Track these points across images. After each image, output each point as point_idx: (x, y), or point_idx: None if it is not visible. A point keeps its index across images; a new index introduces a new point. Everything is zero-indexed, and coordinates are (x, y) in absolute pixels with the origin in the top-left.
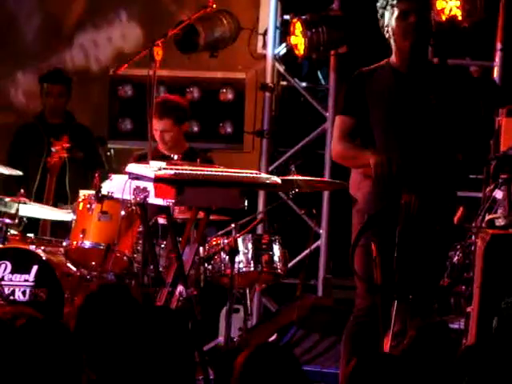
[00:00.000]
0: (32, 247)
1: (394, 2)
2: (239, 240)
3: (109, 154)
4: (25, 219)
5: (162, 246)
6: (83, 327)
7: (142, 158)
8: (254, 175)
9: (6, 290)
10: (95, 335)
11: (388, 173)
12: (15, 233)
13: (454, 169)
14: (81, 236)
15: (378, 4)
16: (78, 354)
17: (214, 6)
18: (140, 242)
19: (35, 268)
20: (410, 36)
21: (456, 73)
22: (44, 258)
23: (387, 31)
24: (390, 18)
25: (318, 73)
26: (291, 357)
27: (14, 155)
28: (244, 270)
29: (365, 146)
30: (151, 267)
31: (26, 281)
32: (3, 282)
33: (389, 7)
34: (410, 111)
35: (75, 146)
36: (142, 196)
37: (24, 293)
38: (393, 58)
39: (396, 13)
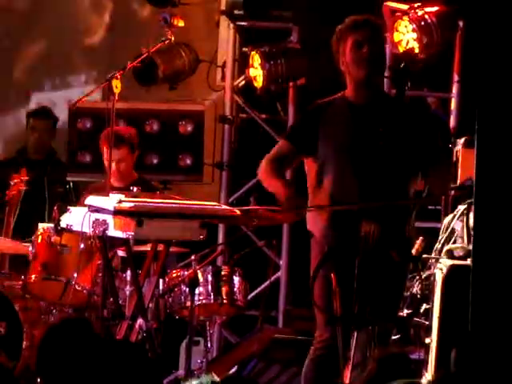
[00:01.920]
0: None
1: (347, 34)
2: (199, 272)
3: (68, 186)
4: None
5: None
6: (44, 360)
7: (97, 191)
8: (214, 207)
9: None
10: (56, 368)
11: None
12: None
13: (411, 200)
14: (39, 269)
15: (333, 39)
16: None
17: (173, 38)
18: (100, 274)
19: None
20: (364, 66)
21: (412, 105)
22: (2, 292)
23: (342, 63)
24: (343, 50)
25: (277, 105)
26: None
27: None
28: (204, 302)
29: (319, 181)
30: (111, 300)
31: None
32: None
33: (342, 40)
34: (365, 143)
35: (57, 182)
36: (101, 229)
37: None
38: (348, 91)
39: (349, 43)
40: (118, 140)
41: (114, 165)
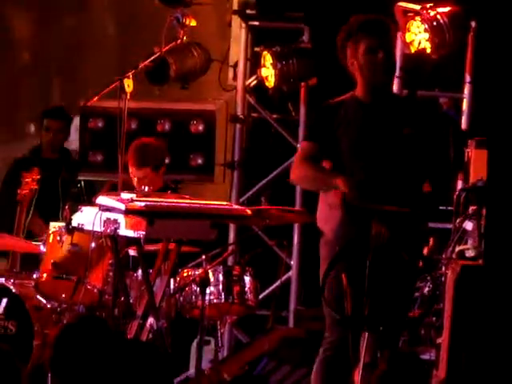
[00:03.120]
0: (1, 280)
1: (359, 37)
2: (210, 271)
3: (79, 185)
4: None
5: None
6: (60, 357)
7: (115, 188)
8: (225, 207)
9: None
10: (70, 366)
11: (355, 195)
12: None
13: (422, 199)
14: (51, 268)
15: (339, 36)
16: None
17: (185, 38)
18: (111, 273)
19: (5, 301)
20: (380, 72)
21: (422, 105)
22: (14, 291)
23: (352, 64)
24: (354, 52)
25: (289, 104)
26: None
27: (7, 187)
28: (215, 301)
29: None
30: (122, 299)
31: None
32: None
33: (352, 41)
34: (376, 142)
35: (71, 182)
36: (112, 228)
37: None
38: (358, 91)
39: (362, 48)
40: (141, 160)
41: (136, 182)
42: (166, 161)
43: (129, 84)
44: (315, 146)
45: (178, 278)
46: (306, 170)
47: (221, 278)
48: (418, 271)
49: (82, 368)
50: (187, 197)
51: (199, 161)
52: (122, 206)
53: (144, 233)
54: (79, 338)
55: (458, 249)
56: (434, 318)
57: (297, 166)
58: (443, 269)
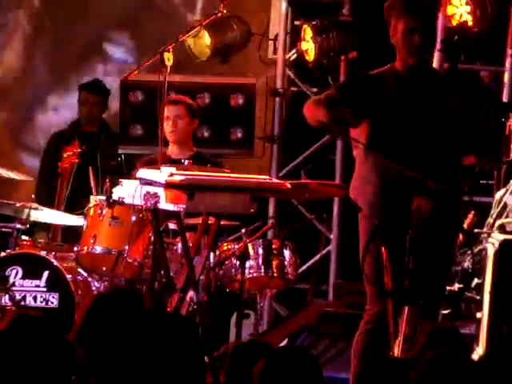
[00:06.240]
0: (43, 253)
1: (401, 13)
2: (250, 245)
3: (119, 159)
4: None
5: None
6: (90, 329)
7: (151, 163)
8: (265, 180)
9: (17, 296)
10: (101, 338)
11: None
12: (26, 238)
13: (462, 173)
14: (91, 241)
15: (387, 2)
16: (71, 354)
17: (225, 11)
18: (151, 247)
19: (46, 273)
20: (415, 54)
21: (463, 79)
22: (55, 264)
23: (393, 36)
24: (395, 25)
25: (329, 78)
26: (311, 360)
27: (46, 161)
28: (254, 275)
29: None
30: (162, 272)
31: (37, 286)
32: (14, 288)
33: (394, 16)
34: (415, 116)
35: (109, 155)
36: (152, 201)
37: (35, 298)
38: (397, 63)
39: (401, 26)
40: (178, 99)
41: (170, 123)
42: (206, 134)
43: (169, 57)
44: (338, 95)
45: (218, 252)
46: (314, 102)
47: (260, 251)
48: (459, 245)
49: (109, 340)
50: (227, 170)
51: (239, 134)
52: (162, 180)
53: (184, 206)
54: (111, 309)
55: (498, 222)
56: (474, 292)
57: (312, 100)
58: (483, 243)
